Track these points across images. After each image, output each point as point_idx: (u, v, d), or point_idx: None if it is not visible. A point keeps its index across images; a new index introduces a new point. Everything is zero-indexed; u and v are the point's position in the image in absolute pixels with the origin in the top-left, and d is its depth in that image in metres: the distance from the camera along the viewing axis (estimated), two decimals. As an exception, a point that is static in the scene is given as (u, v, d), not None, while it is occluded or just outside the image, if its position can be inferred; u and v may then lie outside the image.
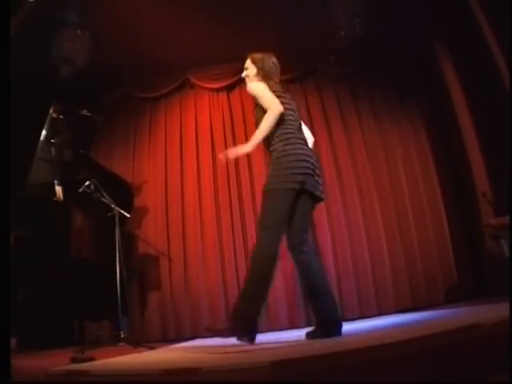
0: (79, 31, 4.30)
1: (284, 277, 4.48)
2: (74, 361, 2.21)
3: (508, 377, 1.33)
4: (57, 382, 1.81)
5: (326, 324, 2.62)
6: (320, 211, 4.70)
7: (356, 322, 4.07)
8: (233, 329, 2.53)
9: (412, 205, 4.80)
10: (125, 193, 4.32)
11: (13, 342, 3.08)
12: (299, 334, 2.95)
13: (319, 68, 5.32)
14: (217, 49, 5.00)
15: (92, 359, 2.28)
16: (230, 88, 5.38)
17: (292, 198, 2.67)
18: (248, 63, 3.05)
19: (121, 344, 3.24)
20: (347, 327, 3.31)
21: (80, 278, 3.92)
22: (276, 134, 2.76)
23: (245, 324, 2.54)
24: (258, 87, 2.84)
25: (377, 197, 4.83)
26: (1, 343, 1.69)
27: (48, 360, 2.62)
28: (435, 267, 4.55)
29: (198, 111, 5.33)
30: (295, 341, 2.72)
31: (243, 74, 3.09)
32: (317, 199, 2.84)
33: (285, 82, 5.25)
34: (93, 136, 5.17)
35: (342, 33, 4.36)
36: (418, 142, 5.06)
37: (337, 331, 2.57)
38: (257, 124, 2.82)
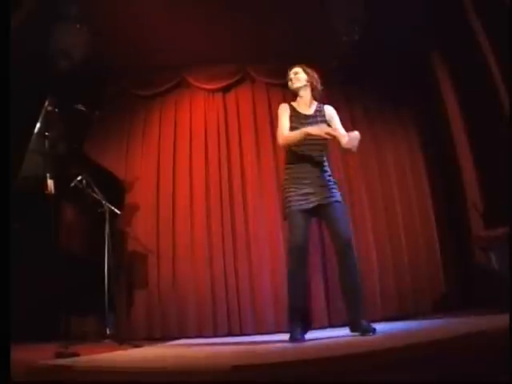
0: (78, 26, 4.28)
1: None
2: (58, 356, 2.19)
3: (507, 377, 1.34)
4: (40, 377, 1.79)
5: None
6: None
7: (343, 328, 4.07)
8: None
9: (402, 214, 4.83)
10: (116, 189, 4.31)
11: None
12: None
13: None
14: (215, 49, 5.00)
15: (76, 355, 2.27)
16: (225, 90, 5.36)
17: None
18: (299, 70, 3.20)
19: (106, 341, 3.24)
20: (335, 333, 3.32)
21: (68, 273, 3.90)
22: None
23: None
24: (280, 110, 3.16)
25: (368, 205, 4.85)
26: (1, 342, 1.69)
27: (32, 354, 2.59)
28: (423, 277, 4.57)
29: (192, 111, 5.32)
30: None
31: (294, 73, 3.21)
32: None
33: (280, 87, 5.28)
34: (87, 131, 5.14)
35: (344, 37, 4.36)
36: (410, 151, 5.09)
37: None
38: None
